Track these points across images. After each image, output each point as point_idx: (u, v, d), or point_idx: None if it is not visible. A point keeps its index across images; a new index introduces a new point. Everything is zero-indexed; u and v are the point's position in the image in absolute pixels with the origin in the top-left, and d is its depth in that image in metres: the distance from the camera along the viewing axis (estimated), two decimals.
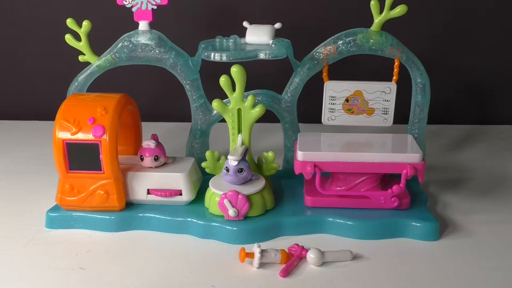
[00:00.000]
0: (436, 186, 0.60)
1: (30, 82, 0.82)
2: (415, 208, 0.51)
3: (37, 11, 0.65)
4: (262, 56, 0.52)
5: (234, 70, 0.51)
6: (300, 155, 0.50)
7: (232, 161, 0.50)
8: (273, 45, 0.53)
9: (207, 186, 0.53)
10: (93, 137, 0.50)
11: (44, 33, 0.83)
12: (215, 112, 0.58)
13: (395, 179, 0.52)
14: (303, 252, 0.46)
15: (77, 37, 0.58)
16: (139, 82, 0.83)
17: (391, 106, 0.56)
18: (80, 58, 0.59)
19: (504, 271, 0.45)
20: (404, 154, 0.49)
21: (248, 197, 0.49)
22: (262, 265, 0.45)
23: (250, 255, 0.45)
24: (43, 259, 0.47)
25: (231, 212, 0.49)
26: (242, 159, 0.51)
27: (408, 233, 0.49)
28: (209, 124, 0.59)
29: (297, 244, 0.46)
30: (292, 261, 0.45)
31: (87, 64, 0.58)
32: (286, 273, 0.44)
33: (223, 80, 0.52)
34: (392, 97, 0.56)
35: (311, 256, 0.45)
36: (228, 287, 0.43)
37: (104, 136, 0.50)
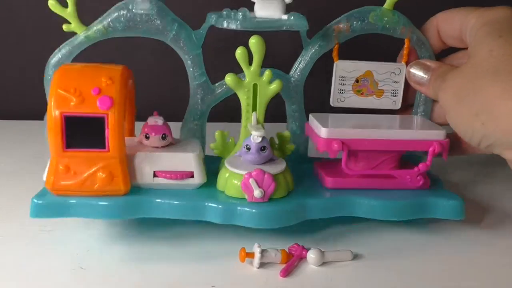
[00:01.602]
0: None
1: (31, 82, 0.74)
2: (436, 188, 0.50)
3: (36, 9, 0.59)
4: (284, 27, 0.49)
5: (253, 41, 0.48)
6: (324, 132, 0.48)
7: (256, 138, 0.46)
8: (291, 17, 0.50)
9: (211, 171, 0.49)
10: (99, 110, 0.44)
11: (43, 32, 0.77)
12: (217, 91, 0.54)
13: (408, 162, 0.51)
14: (303, 252, 0.45)
15: (63, 3, 0.51)
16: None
17: (400, 88, 0.55)
18: (65, 27, 0.52)
19: None
20: (430, 131, 0.49)
21: (274, 177, 0.46)
22: (262, 265, 0.44)
23: (250, 255, 0.44)
24: (43, 259, 0.45)
25: (257, 192, 0.45)
26: (265, 136, 0.47)
27: (435, 212, 0.48)
28: (209, 105, 0.55)
29: (297, 244, 0.45)
30: (292, 261, 0.44)
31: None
32: (287, 273, 0.43)
33: (239, 52, 0.48)
34: (402, 78, 0.55)
35: (311, 256, 0.44)
36: (229, 287, 0.42)
37: (112, 108, 0.44)
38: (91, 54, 0.53)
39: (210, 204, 0.46)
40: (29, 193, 0.47)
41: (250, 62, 0.49)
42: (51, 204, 0.45)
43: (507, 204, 0.58)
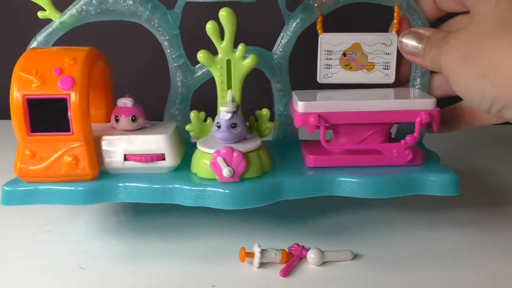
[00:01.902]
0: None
1: None
2: (429, 164, 0.46)
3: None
4: None
5: (223, 14, 0.45)
6: (301, 106, 0.44)
7: (225, 114, 0.44)
8: None
9: (191, 156, 0.46)
10: (60, 91, 0.42)
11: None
12: (197, 73, 0.52)
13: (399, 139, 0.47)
14: (303, 252, 0.44)
15: None
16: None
17: (393, 60, 0.51)
18: (40, 14, 0.51)
19: None
20: (417, 100, 0.44)
21: (244, 155, 0.43)
22: (262, 264, 0.43)
23: (250, 254, 0.43)
24: (43, 259, 0.45)
25: (226, 171, 0.42)
26: (235, 112, 0.44)
27: (425, 189, 0.44)
28: (190, 87, 0.52)
29: (297, 244, 0.44)
30: (292, 260, 0.43)
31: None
32: (287, 272, 0.42)
33: (210, 27, 0.46)
34: (393, 49, 0.51)
35: (311, 256, 0.43)
36: (228, 287, 0.41)
37: (74, 89, 0.42)
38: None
39: (179, 186, 0.43)
40: None
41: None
42: (20, 191, 0.44)
43: None
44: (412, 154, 0.45)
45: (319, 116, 0.44)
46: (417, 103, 0.44)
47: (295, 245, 0.44)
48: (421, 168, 0.45)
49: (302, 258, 0.44)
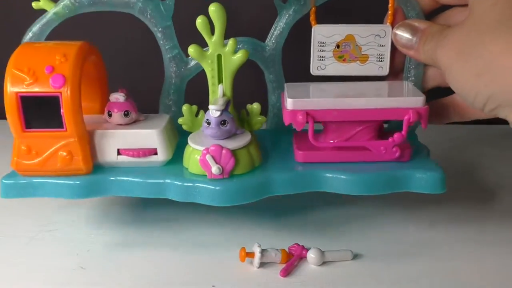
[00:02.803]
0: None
1: None
2: (418, 160, 0.46)
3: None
4: None
5: (212, 9, 0.45)
6: (290, 103, 0.45)
7: (214, 112, 0.44)
8: None
9: (185, 146, 0.47)
10: (52, 88, 0.43)
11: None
12: (191, 64, 0.52)
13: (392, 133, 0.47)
14: (303, 252, 0.44)
15: None
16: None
17: (387, 52, 0.51)
18: (34, 4, 0.51)
19: None
20: (405, 98, 0.44)
21: (233, 152, 0.44)
22: (262, 264, 0.44)
23: (251, 254, 0.44)
24: (43, 259, 0.46)
25: (215, 169, 0.43)
26: (225, 109, 0.45)
27: (412, 186, 0.44)
28: (183, 78, 0.53)
29: (297, 244, 0.45)
30: (293, 260, 0.44)
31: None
32: (287, 272, 0.42)
33: (200, 22, 0.46)
34: (388, 41, 0.50)
35: (311, 256, 0.44)
36: (229, 286, 0.42)
37: (65, 87, 0.43)
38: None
39: (170, 181, 0.44)
40: None
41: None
42: (18, 185, 0.46)
43: None
44: (399, 152, 0.45)
45: (307, 113, 0.44)
46: (406, 101, 0.44)
47: (295, 245, 0.45)
48: (409, 164, 0.45)
49: (302, 258, 0.44)
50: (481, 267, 0.43)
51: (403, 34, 0.48)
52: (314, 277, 0.42)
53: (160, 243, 0.48)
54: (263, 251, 0.43)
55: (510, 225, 0.49)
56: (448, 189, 0.45)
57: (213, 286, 0.41)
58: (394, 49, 0.50)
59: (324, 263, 0.44)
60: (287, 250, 0.44)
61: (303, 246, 0.45)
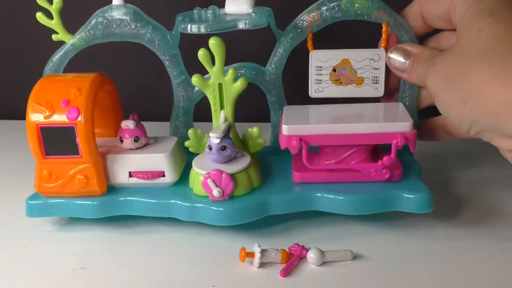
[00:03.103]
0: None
1: (31, 82, 0.80)
2: (408, 179, 0.49)
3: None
4: (241, 26, 0.49)
5: (212, 42, 0.49)
6: (285, 129, 0.48)
7: (214, 139, 0.48)
8: (253, 14, 0.50)
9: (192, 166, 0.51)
10: (67, 120, 0.48)
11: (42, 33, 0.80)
12: (197, 88, 0.56)
13: (387, 149, 0.50)
14: (304, 252, 0.45)
15: (49, 15, 0.55)
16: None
17: (381, 75, 0.53)
18: (54, 37, 0.56)
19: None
20: (393, 123, 0.47)
21: (232, 176, 0.47)
22: (262, 264, 0.45)
23: (251, 254, 0.44)
24: (43, 259, 0.47)
25: (215, 192, 0.47)
26: (225, 136, 0.49)
27: (401, 205, 0.47)
28: (191, 102, 0.57)
29: (297, 244, 0.46)
30: (293, 260, 0.45)
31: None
32: (287, 272, 0.43)
33: (201, 54, 0.49)
34: (382, 64, 0.53)
35: (311, 256, 0.45)
36: (229, 286, 0.42)
37: (79, 118, 0.48)
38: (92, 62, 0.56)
39: (176, 202, 0.49)
40: (29, 193, 0.51)
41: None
42: (42, 205, 0.51)
43: None
44: (389, 173, 0.48)
45: (301, 139, 0.47)
46: (394, 126, 0.47)
47: (295, 245, 0.45)
48: (399, 185, 0.48)
49: (302, 258, 0.45)
50: (481, 268, 0.44)
51: (397, 58, 0.50)
52: (314, 277, 0.43)
53: (160, 243, 0.49)
54: (263, 251, 0.44)
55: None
56: (448, 190, 0.45)
57: (213, 286, 0.42)
58: (388, 71, 0.53)
59: (324, 263, 0.44)
60: (287, 250, 0.45)
61: (303, 246, 0.45)
